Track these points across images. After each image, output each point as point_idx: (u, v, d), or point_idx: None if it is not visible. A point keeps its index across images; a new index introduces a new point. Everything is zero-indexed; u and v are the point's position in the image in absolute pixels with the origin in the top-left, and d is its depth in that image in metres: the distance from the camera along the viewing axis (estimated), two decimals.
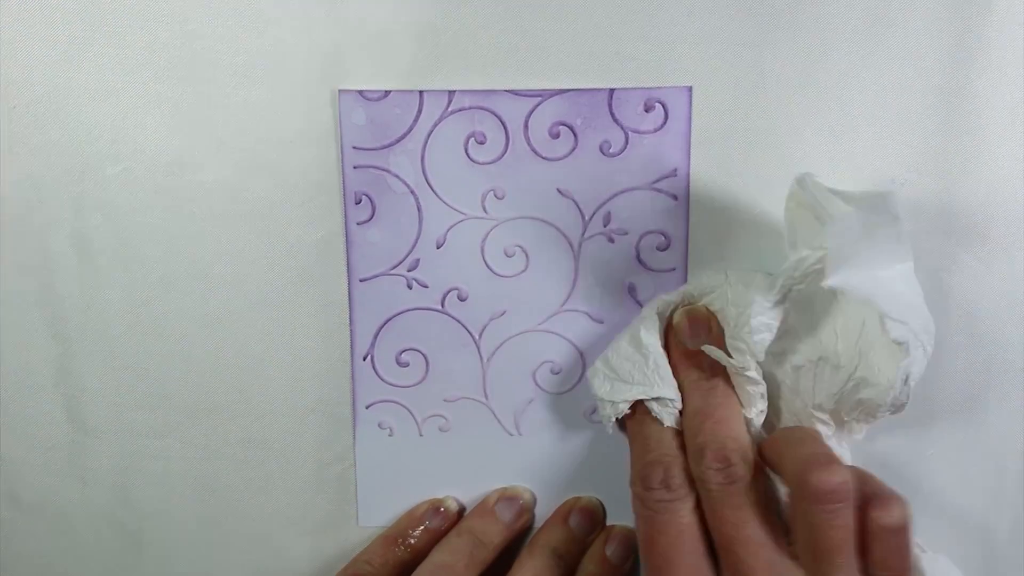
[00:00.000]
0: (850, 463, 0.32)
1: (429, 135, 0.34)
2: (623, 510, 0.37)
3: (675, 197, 0.35)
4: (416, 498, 0.38)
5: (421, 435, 0.37)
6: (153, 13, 0.34)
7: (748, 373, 0.32)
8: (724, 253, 0.35)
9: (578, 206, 0.35)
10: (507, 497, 0.37)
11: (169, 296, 0.36)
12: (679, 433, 0.32)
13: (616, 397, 0.33)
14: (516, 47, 0.33)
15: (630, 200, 0.35)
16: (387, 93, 0.34)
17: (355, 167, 0.35)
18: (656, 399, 0.33)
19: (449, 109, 0.34)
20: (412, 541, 0.36)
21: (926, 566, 0.32)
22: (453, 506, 0.37)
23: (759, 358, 0.32)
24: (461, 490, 0.38)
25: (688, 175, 0.34)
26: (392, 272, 0.36)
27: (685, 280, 0.35)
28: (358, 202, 0.35)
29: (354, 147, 0.35)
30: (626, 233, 0.35)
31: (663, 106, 0.34)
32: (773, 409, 0.34)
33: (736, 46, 0.33)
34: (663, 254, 0.35)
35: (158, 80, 0.34)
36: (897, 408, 0.31)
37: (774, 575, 0.29)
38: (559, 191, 0.35)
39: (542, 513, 0.38)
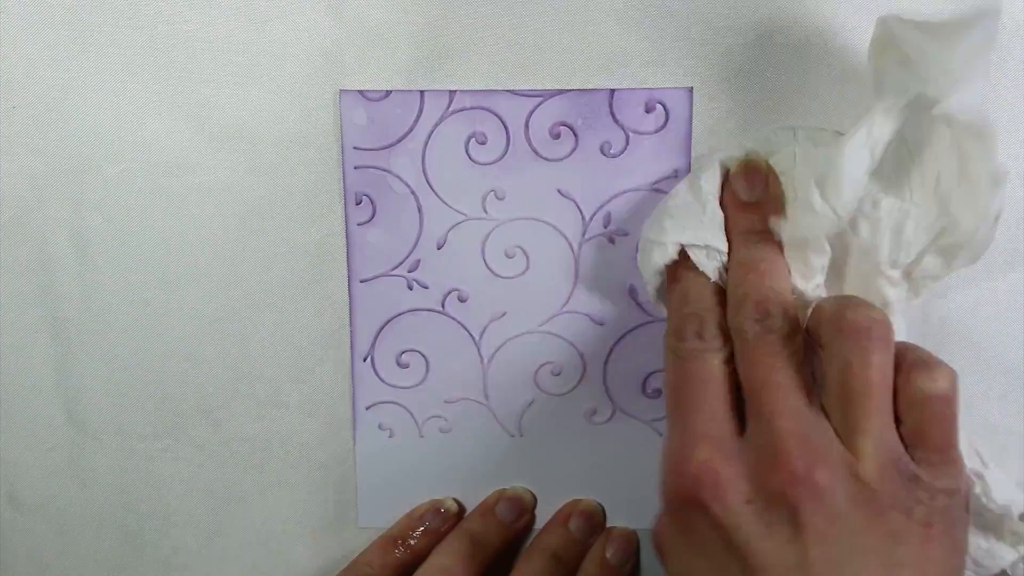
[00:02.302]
0: (905, 338, 0.30)
1: (430, 135, 0.34)
2: (623, 512, 0.37)
3: None
4: (417, 499, 0.37)
5: (421, 436, 0.37)
6: (153, 13, 0.34)
7: (819, 241, 0.30)
8: None
9: (578, 207, 0.35)
10: (508, 498, 0.37)
11: (169, 297, 0.36)
12: (720, 290, 0.31)
13: (666, 238, 0.32)
14: (517, 47, 0.33)
15: (630, 201, 0.35)
16: (388, 93, 0.34)
17: (356, 167, 0.35)
18: (704, 248, 0.31)
19: (450, 109, 0.34)
20: (412, 542, 0.36)
21: (990, 481, 0.30)
22: (453, 507, 0.37)
23: (842, 217, 0.29)
24: (462, 491, 0.38)
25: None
26: (392, 273, 0.36)
27: None
28: (359, 203, 0.35)
29: (355, 147, 0.35)
30: (626, 234, 0.35)
31: (664, 107, 0.34)
32: (837, 275, 0.32)
33: (737, 48, 0.33)
34: None
35: (158, 80, 0.34)
36: (981, 250, 0.29)
37: (799, 422, 0.26)
38: (559, 192, 0.35)
39: (542, 514, 0.37)
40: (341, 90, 0.34)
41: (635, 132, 0.34)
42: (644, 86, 0.34)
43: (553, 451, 0.37)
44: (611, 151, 0.34)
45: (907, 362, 0.27)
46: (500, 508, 0.36)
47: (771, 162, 0.32)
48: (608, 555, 0.36)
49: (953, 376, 0.27)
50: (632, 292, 0.36)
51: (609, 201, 0.35)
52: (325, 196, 0.35)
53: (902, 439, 0.27)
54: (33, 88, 0.34)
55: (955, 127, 0.28)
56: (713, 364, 0.29)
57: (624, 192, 0.35)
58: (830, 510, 0.25)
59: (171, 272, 0.36)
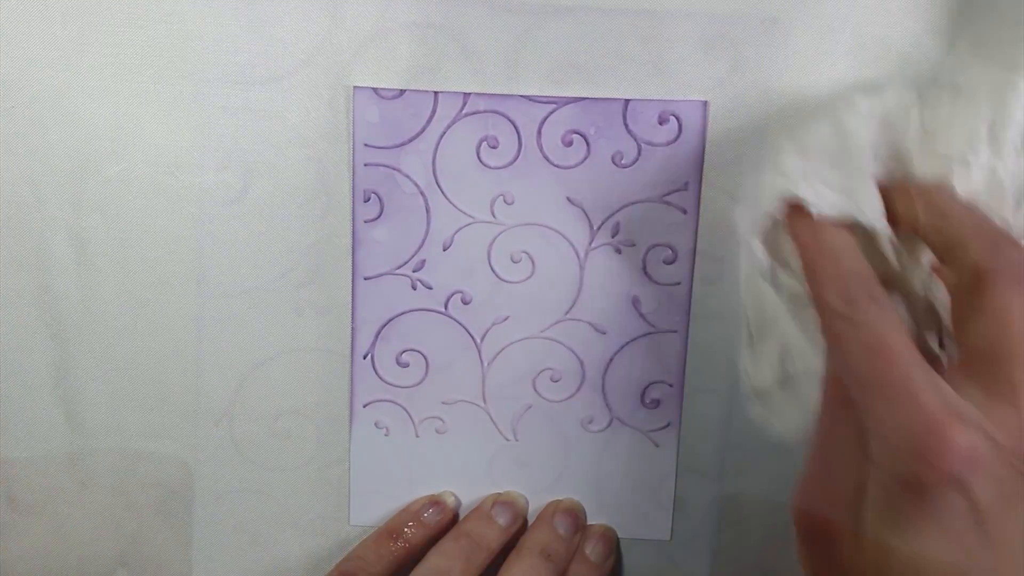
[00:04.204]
0: None
1: (441, 137, 0.34)
2: (615, 520, 0.37)
3: (684, 211, 0.35)
4: (408, 499, 0.37)
5: (417, 436, 0.37)
6: (152, 13, 0.33)
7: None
8: (731, 269, 0.35)
9: (587, 215, 0.35)
10: (503, 502, 0.37)
11: (168, 297, 0.36)
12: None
13: (809, 186, 0.29)
14: (530, 53, 0.33)
15: (639, 212, 0.35)
16: (402, 92, 0.34)
17: (366, 164, 0.34)
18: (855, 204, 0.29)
19: (463, 111, 0.34)
20: (408, 534, 0.36)
21: None
22: (451, 501, 0.37)
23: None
24: (454, 493, 0.38)
25: (699, 189, 0.34)
26: (397, 272, 0.36)
27: (689, 295, 0.35)
28: (367, 200, 0.35)
29: (366, 144, 0.34)
30: (633, 245, 0.35)
31: (677, 119, 0.34)
32: None
33: (755, 64, 0.33)
34: (669, 267, 0.35)
35: (158, 80, 0.34)
36: None
37: None
38: (569, 199, 0.35)
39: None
40: (355, 87, 0.34)
41: (648, 143, 0.34)
42: (659, 97, 0.34)
43: (548, 457, 0.37)
44: (623, 161, 0.34)
45: None
46: (496, 511, 0.36)
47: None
48: (588, 551, 0.36)
49: None
50: (635, 303, 0.36)
51: (618, 211, 0.35)
52: (326, 196, 0.35)
53: None
54: (32, 88, 0.34)
55: None
56: (899, 327, 0.27)
57: (634, 203, 0.35)
58: None
59: (170, 273, 0.36)
